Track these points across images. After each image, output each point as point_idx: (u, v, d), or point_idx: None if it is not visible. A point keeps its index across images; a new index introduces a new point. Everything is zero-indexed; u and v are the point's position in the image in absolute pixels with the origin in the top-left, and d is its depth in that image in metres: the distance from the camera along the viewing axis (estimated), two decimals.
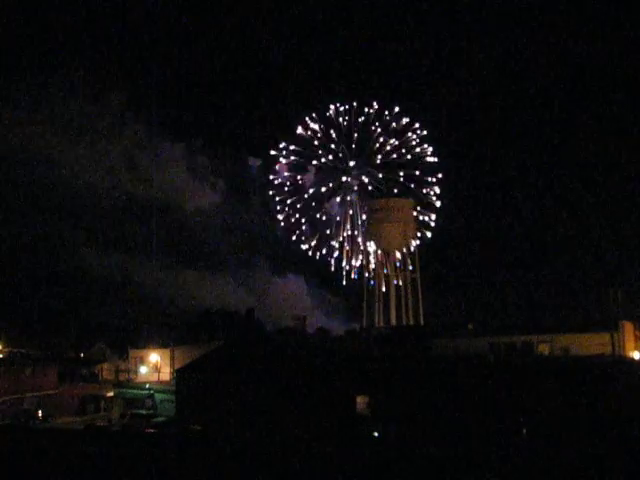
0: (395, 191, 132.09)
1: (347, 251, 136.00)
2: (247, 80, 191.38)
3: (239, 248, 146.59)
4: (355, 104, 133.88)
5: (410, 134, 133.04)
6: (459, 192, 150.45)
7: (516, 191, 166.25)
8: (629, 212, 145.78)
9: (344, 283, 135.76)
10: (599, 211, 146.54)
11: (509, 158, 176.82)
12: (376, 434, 59.56)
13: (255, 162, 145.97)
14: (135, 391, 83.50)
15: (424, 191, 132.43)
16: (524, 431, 57.34)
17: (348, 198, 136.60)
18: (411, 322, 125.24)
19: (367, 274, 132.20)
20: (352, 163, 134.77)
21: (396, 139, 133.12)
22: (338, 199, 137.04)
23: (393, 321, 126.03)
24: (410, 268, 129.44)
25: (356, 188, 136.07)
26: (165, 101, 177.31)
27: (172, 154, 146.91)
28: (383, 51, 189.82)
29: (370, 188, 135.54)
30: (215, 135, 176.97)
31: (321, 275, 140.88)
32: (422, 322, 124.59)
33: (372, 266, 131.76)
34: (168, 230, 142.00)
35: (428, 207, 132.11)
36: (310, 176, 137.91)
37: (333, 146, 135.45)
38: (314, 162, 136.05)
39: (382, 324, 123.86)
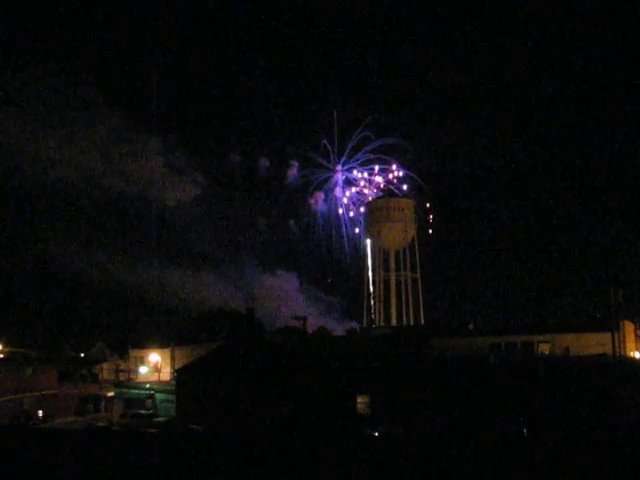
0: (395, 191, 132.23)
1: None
2: (227, 72, 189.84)
3: (224, 244, 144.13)
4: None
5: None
6: (458, 191, 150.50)
7: (516, 191, 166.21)
8: (629, 211, 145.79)
9: (331, 279, 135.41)
10: (599, 210, 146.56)
11: (508, 158, 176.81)
12: (376, 434, 59.48)
13: (265, 162, 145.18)
14: (135, 391, 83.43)
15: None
16: (524, 431, 57.29)
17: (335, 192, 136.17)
18: (411, 322, 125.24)
19: (367, 273, 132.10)
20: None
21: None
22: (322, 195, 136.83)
23: (393, 321, 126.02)
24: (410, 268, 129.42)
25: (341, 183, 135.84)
26: (141, 94, 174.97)
27: (149, 148, 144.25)
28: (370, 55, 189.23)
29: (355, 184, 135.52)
30: (193, 129, 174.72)
31: (313, 272, 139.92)
32: (422, 322, 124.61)
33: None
34: (148, 226, 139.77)
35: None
36: (294, 171, 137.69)
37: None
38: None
39: (382, 324, 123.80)
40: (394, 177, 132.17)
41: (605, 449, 46.65)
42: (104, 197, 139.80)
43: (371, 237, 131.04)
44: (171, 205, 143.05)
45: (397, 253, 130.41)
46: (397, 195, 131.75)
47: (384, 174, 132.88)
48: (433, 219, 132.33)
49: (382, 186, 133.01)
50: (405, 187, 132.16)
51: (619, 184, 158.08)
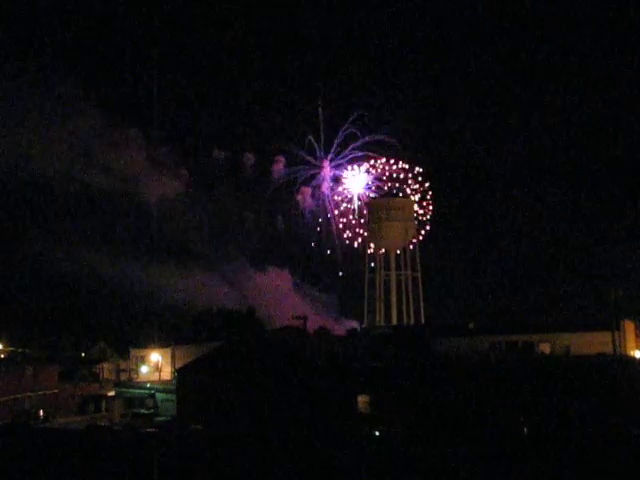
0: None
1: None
2: (210, 66, 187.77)
3: (212, 241, 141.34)
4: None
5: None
6: (458, 190, 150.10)
7: (516, 190, 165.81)
8: (629, 210, 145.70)
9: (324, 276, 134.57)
10: (599, 210, 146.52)
11: (507, 157, 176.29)
12: (377, 433, 59.53)
13: (250, 157, 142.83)
14: (136, 391, 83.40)
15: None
16: (525, 430, 57.31)
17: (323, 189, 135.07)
18: (412, 321, 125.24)
19: (368, 273, 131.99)
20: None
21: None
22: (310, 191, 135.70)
23: (394, 320, 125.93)
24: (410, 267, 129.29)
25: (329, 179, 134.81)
26: (122, 88, 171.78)
27: (130, 142, 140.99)
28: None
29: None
30: (175, 123, 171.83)
31: (306, 270, 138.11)
32: (423, 321, 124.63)
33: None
34: (131, 222, 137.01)
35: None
36: (280, 166, 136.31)
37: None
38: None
39: (383, 323, 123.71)
40: (390, 171, 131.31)
41: (605, 447, 46.69)
42: (85, 193, 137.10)
43: (371, 236, 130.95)
44: (155, 201, 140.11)
45: (397, 252, 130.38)
46: (397, 195, 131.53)
47: (377, 171, 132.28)
48: (432, 216, 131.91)
49: (371, 182, 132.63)
50: (402, 185, 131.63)
51: (620, 183, 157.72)
